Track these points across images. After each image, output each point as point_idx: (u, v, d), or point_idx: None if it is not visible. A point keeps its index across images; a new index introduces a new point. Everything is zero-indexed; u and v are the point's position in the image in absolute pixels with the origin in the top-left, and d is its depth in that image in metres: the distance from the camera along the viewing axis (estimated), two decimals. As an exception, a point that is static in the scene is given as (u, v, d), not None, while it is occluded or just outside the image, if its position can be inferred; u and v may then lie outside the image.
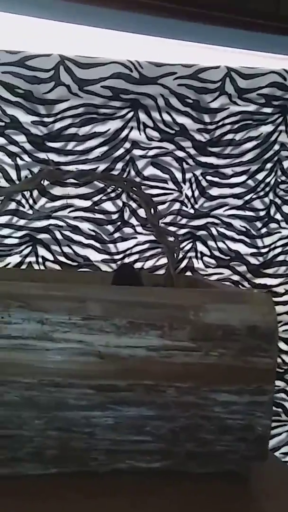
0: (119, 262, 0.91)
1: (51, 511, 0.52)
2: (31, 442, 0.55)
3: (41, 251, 0.87)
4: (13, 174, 0.85)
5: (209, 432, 0.57)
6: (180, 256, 0.95)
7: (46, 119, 0.84)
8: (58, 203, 0.86)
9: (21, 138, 0.84)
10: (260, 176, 0.97)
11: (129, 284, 0.76)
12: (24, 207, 0.85)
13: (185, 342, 0.55)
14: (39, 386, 0.54)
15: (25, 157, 0.84)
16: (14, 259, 0.86)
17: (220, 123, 0.92)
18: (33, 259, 0.87)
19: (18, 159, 0.84)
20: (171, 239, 0.79)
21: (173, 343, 0.55)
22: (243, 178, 0.96)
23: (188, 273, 0.96)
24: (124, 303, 0.54)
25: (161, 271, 0.94)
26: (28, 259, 0.87)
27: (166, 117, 0.89)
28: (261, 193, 0.97)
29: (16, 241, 0.86)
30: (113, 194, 0.90)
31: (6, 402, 0.53)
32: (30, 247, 0.86)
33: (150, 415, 0.56)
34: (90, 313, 0.54)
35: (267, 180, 0.97)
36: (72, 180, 0.71)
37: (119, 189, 0.86)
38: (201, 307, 0.55)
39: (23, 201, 0.85)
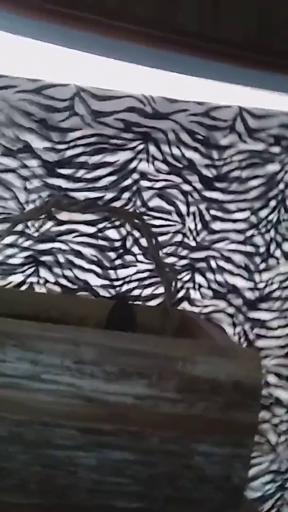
0: (117, 289, 0.93)
1: None
2: (16, 474, 0.57)
3: (43, 273, 0.89)
4: (21, 197, 0.87)
5: (188, 480, 0.59)
6: (178, 286, 0.97)
7: (58, 146, 0.86)
8: (63, 227, 0.88)
9: (32, 163, 0.86)
10: (263, 214, 0.98)
11: (124, 323, 0.78)
12: (29, 229, 0.87)
13: (171, 393, 0.57)
14: (28, 424, 0.56)
15: (36, 181, 0.86)
16: (16, 278, 0.88)
17: (228, 160, 0.94)
18: (34, 279, 0.89)
19: (28, 183, 0.86)
20: (169, 272, 0.81)
21: (159, 393, 0.57)
22: (246, 214, 0.97)
23: (185, 304, 0.98)
24: (116, 349, 0.56)
25: (158, 300, 0.96)
26: (30, 279, 0.89)
27: (176, 151, 0.91)
28: (263, 230, 0.99)
29: (20, 261, 0.88)
30: (117, 222, 0.91)
31: (-6, 437, 0.56)
32: (33, 268, 0.88)
33: (132, 460, 0.58)
34: (82, 357, 0.56)
35: (270, 217, 0.99)
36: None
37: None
38: (190, 359, 0.57)
39: (29, 223, 0.87)
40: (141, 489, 0.59)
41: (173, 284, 0.81)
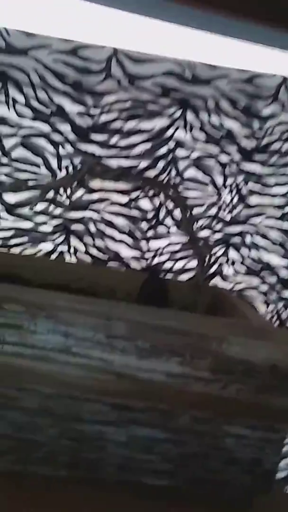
0: (148, 261, 0.91)
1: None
2: (44, 447, 0.57)
3: (74, 242, 0.87)
4: (54, 163, 0.84)
5: (218, 461, 0.58)
6: (211, 261, 0.94)
7: (92, 111, 0.82)
8: (95, 195, 0.86)
9: (65, 128, 0.83)
10: (303, 189, 0.94)
11: (155, 296, 0.75)
12: (61, 196, 0.85)
13: (204, 372, 0.55)
14: (56, 397, 0.55)
15: (68, 146, 0.83)
16: (46, 246, 0.87)
17: (269, 131, 0.89)
18: (65, 248, 0.87)
19: (60, 148, 0.83)
20: (203, 246, 0.79)
21: (192, 372, 0.55)
22: (285, 189, 0.93)
23: (217, 279, 0.95)
24: (148, 325, 0.54)
25: (190, 274, 0.93)
26: (60, 248, 0.87)
27: (215, 119, 0.87)
28: (302, 206, 0.94)
29: (50, 229, 0.86)
30: (151, 193, 0.88)
31: (23, 407, 0.55)
32: (64, 237, 0.86)
33: (162, 438, 0.57)
34: (114, 332, 0.54)
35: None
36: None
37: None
38: (225, 339, 0.55)
39: (61, 190, 0.84)
40: (170, 468, 0.58)
41: (206, 259, 0.78)
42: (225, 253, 0.94)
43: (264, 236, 0.95)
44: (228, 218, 0.93)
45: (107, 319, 0.54)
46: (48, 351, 0.53)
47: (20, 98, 0.81)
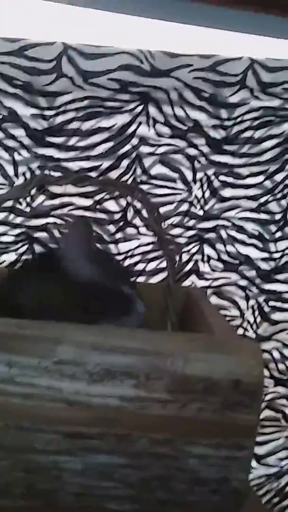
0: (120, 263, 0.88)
1: None
2: (-3, 480, 0.54)
3: (39, 250, 0.84)
4: (10, 170, 0.80)
5: (182, 482, 0.55)
6: (186, 258, 0.90)
7: (47, 112, 0.78)
8: (57, 201, 0.82)
9: (19, 132, 0.78)
10: (279, 177, 0.89)
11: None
12: (21, 204, 0.81)
13: (161, 394, 0.52)
14: (4, 429, 0.52)
15: (24, 152, 0.80)
16: (9, 257, 0.83)
17: (239, 119, 0.85)
18: (29, 257, 0.84)
19: (16, 154, 0.80)
20: (173, 246, 0.75)
21: (148, 394, 0.51)
22: (260, 178, 0.89)
23: (193, 277, 0.91)
24: (99, 347, 0.51)
25: (164, 274, 0.90)
26: (24, 257, 0.84)
27: (179, 111, 0.82)
28: (279, 195, 0.90)
29: (11, 239, 0.82)
30: (116, 193, 0.85)
31: None
32: (27, 245, 0.83)
33: (121, 463, 0.54)
34: (62, 357, 0.51)
35: (287, 181, 0.90)
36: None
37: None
38: (183, 356, 0.52)
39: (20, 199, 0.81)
40: (132, 492, 0.55)
41: (177, 258, 0.74)
42: (200, 250, 0.90)
43: (240, 230, 0.91)
44: (200, 213, 0.89)
45: (54, 344, 0.51)
46: (-9, 382, 0.50)
47: None
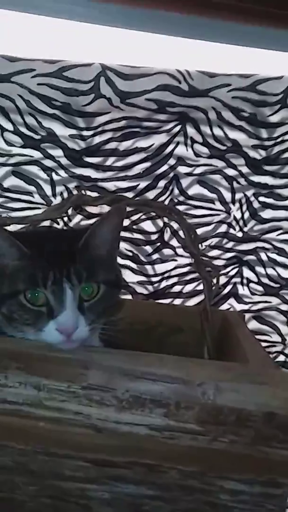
0: (155, 285, 0.86)
1: None
2: (24, 506, 0.53)
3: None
4: (47, 189, 0.81)
5: (213, 518, 0.53)
6: (224, 281, 0.88)
7: (85, 133, 0.79)
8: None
9: (57, 153, 0.79)
10: None
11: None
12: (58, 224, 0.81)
13: (192, 425, 0.50)
14: (32, 453, 0.51)
15: (61, 172, 0.80)
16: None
17: (280, 139, 0.82)
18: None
19: (53, 174, 0.80)
20: (211, 268, 0.73)
21: (178, 425, 0.50)
22: (301, 199, 0.86)
23: (232, 300, 0.89)
24: (130, 373, 0.50)
25: (202, 297, 0.88)
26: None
27: (217, 131, 0.81)
28: None
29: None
30: (153, 213, 0.84)
31: (-1, 465, 0.51)
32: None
33: (150, 495, 0.52)
34: (91, 381, 0.50)
35: None
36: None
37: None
38: (214, 385, 0.49)
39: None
40: (161, 526, 0.53)
41: (215, 281, 0.72)
42: (239, 273, 0.88)
43: (281, 252, 0.88)
44: (239, 235, 0.86)
45: (83, 368, 0.50)
46: (20, 405, 0.49)
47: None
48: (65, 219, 0.81)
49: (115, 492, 0.52)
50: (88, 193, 0.73)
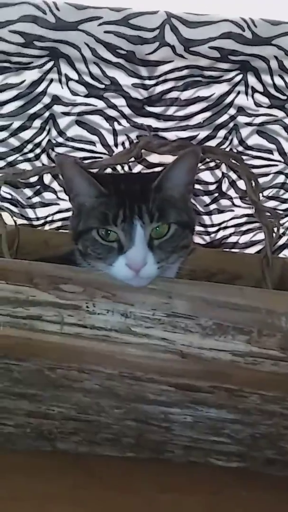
0: (212, 236, 0.88)
1: (122, 494, 0.54)
2: (109, 428, 0.56)
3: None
4: (110, 139, 0.82)
5: (291, 442, 0.55)
6: (280, 232, 0.88)
7: (147, 82, 0.79)
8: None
9: (120, 102, 0.80)
10: None
11: None
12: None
13: (274, 351, 0.52)
14: (119, 378, 0.53)
15: (123, 121, 0.81)
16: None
17: None
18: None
19: (116, 123, 0.81)
20: (271, 216, 0.74)
21: (260, 350, 0.52)
22: None
23: (287, 251, 0.90)
24: (212, 302, 0.52)
25: (257, 247, 0.89)
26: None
27: (278, 81, 0.81)
28: None
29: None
30: (212, 164, 0.84)
31: (87, 389, 0.54)
32: None
33: (230, 419, 0.55)
34: (175, 310, 0.52)
35: None
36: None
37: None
38: (296, 314, 0.51)
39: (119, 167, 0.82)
40: (240, 449, 0.56)
41: (275, 229, 0.73)
42: (295, 223, 0.89)
43: None
44: (297, 186, 0.87)
45: (168, 297, 0.52)
46: (107, 331, 0.52)
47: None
48: (126, 168, 0.83)
49: (197, 416, 0.55)
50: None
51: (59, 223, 0.87)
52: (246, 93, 0.82)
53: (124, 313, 0.52)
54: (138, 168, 0.83)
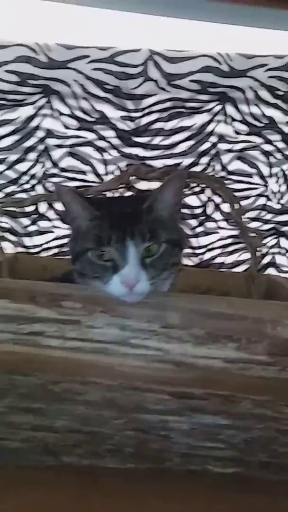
0: (200, 257, 0.92)
1: (125, 505, 0.56)
2: (110, 439, 0.58)
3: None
4: (100, 168, 0.87)
5: (284, 445, 0.58)
6: (264, 251, 0.93)
7: (133, 114, 0.85)
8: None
9: (109, 133, 0.85)
10: None
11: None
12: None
13: (262, 356, 0.55)
14: (119, 388, 0.56)
15: (113, 152, 0.86)
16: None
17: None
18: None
19: (105, 154, 0.86)
20: (255, 236, 0.78)
21: (249, 357, 0.55)
22: None
23: (271, 270, 0.94)
24: (203, 313, 0.55)
25: (243, 267, 0.93)
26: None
27: (255, 109, 0.87)
28: None
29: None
30: (197, 189, 0.89)
31: (88, 401, 0.57)
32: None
33: (225, 424, 0.58)
34: (169, 321, 0.55)
35: None
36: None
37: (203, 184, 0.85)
38: (280, 321, 0.55)
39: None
40: (236, 454, 0.59)
41: (259, 248, 0.78)
42: (277, 243, 0.94)
43: None
44: (277, 207, 0.92)
45: (161, 310, 0.55)
46: (106, 344, 0.55)
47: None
48: (117, 194, 0.87)
49: (193, 423, 0.58)
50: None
51: (55, 250, 0.91)
52: (226, 122, 0.87)
53: (122, 326, 0.55)
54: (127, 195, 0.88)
